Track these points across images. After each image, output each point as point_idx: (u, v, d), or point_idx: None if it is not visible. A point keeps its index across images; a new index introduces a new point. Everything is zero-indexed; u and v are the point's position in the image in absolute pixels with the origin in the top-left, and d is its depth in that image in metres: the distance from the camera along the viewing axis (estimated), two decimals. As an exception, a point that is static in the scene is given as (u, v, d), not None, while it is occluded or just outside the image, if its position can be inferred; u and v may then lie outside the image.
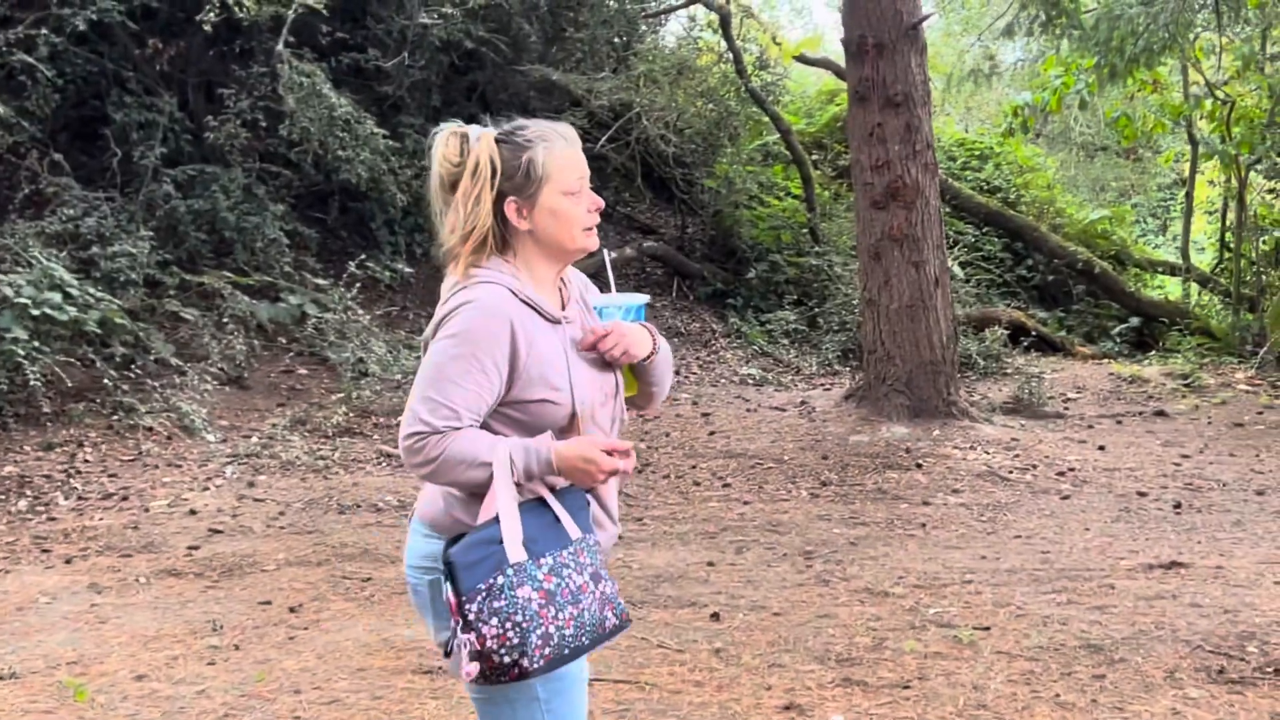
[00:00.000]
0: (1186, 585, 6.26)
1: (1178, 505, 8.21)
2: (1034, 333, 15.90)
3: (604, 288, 3.17)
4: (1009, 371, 14.16)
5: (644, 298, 3.13)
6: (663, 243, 16.01)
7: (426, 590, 2.78)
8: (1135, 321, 17.55)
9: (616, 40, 14.38)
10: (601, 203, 2.90)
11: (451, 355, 2.66)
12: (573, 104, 13.58)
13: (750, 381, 12.73)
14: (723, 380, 12.75)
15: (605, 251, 3.21)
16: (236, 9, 11.36)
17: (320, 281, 11.70)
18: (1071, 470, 9.20)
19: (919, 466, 9.16)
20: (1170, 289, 20.21)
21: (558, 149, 2.78)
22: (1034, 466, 9.24)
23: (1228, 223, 19.36)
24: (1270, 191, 18.67)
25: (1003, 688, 4.95)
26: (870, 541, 7.41)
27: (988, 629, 5.65)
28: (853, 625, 5.75)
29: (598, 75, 13.50)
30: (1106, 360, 16.10)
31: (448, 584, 2.59)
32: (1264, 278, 17.20)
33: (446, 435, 2.64)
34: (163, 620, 5.92)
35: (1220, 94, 17.31)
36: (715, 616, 5.88)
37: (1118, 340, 17.16)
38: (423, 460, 2.64)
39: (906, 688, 4.98)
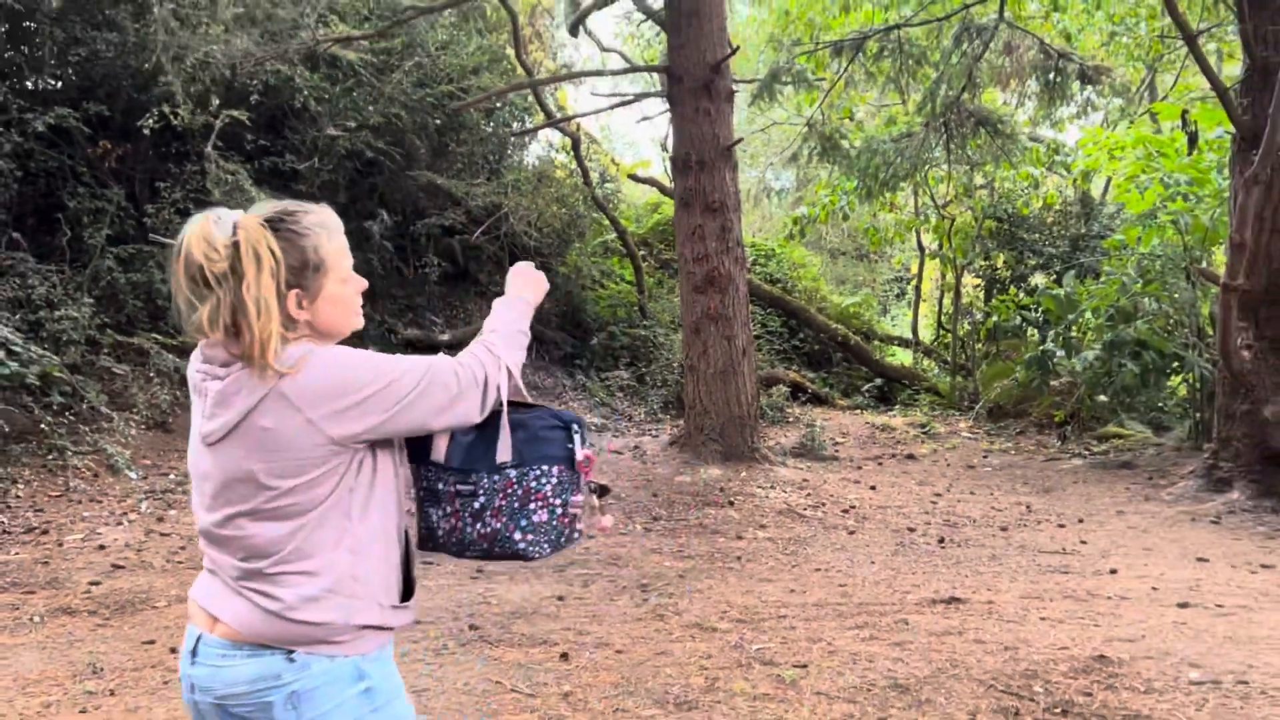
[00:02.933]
0: (968, 621, 5.30)
1: (941, 540, 7.31)
2: (808, 390, 15.17)
3: None
4: (790, 420, 13.35)
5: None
6: (524, 315, 14.89)
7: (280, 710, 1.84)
8: (879, 381, 17.06)
9: (490, 156, 13.23)
10: (365, 284, 2.02)
11: (391, 375, 1.87)
12: (454, 203, 12.40)
13: (592, 429, 11.61)
14: (570, 426, 11.62)
15: None
16: (172, 117, 10.06)
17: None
18: (853, 508, 8.26)
19: (731, 504, 8.14)
20: (901, 357, 19.81)
21: (334, 236, 1.93)
22: (823, 504, 8.28)
23: (944, 308, 19.15)
24: (976, 286, 18.42)
25: (829, 735, 3.91)
26: (696, 574, 6.33)
27: (805, 667, 4.61)
28: (687, 664, 4.66)
29: (474, 181, 12.35)
30: (859, 411, 15.48)
31: (578, 437, 2.07)
32: (975, 350, 16.78)
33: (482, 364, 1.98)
34: (48, 661, 4.58)
35: (944, 213, 16.89)
36: (564, 656, 4.73)
37: (866, 395, 16.63)
38: (485, 381, 1.96)
39: (742, 735, 3.91)
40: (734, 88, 9.28)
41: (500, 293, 2.22)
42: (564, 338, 14.89)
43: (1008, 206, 16.42)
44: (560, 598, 5.71)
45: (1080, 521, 7.96)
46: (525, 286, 2.21)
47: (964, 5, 11.62)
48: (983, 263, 17.45)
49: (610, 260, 16.45)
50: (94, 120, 10.79)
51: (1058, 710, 4.16)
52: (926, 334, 20.77)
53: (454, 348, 13.27)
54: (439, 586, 5.96)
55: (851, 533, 7.48)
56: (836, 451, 11.22)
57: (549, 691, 4.31)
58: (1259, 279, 8.31)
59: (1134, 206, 10.28)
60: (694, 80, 8.98)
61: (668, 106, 9.64)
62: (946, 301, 18.92)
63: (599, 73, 10.35)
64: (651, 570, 6.38)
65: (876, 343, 19.20)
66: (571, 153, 14.35)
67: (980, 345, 17.02)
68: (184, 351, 9.95)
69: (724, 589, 5.99)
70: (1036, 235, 16.68)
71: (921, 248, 18.65)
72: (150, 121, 10.03)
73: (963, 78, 12.37)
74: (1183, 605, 5.57)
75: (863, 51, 12.09)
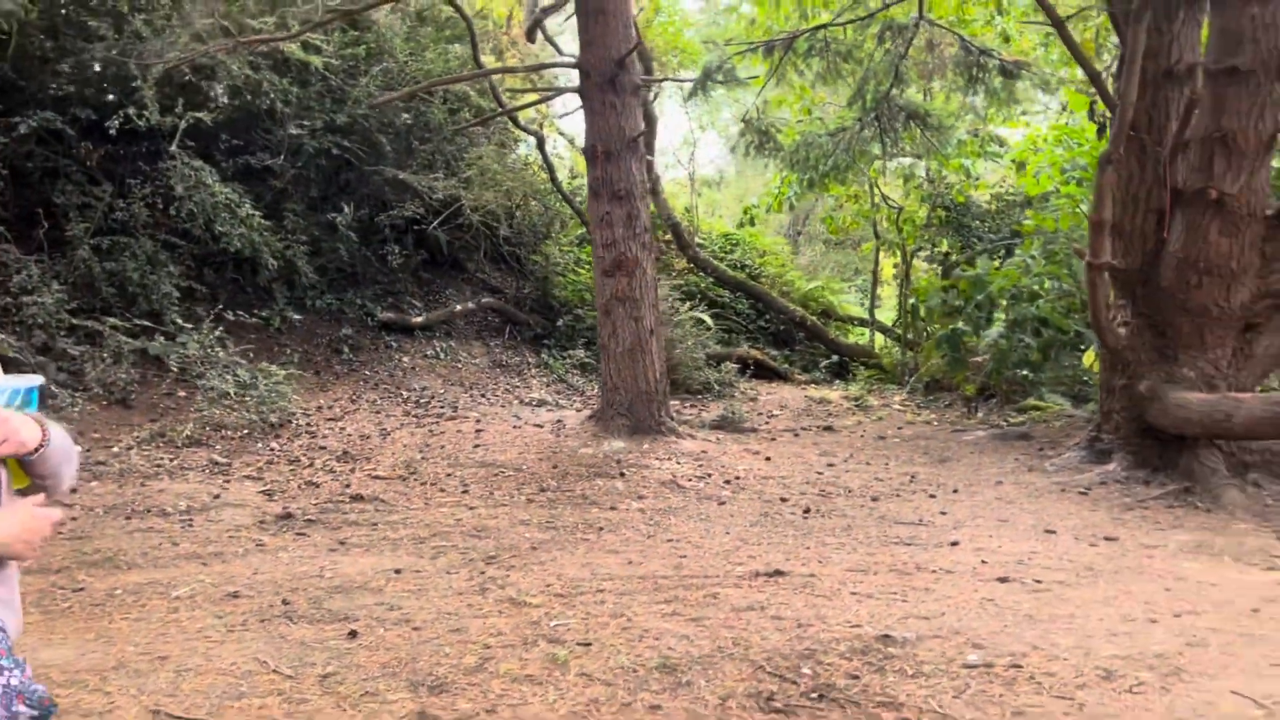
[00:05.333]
0: (778, 595, 4.72)
1: (807, 511, 6.70)
2: (754, 364, 14.57)
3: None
4: (736, 395, 12.72)
5: (36, 379, 1.84)
6: (502, 299, 14.35)
7: None
8: (836, 358, 16.39)
9: (453, 153, 12.65)
10: None
11: None
12: (417, 196, 11.87)
13: (534, 403, 11.04)
14: (516, 402, 11.03)
15: None
16: (137, 119, 9.62)
17: (186, 324, 9.84)
18: (737, 479, 7.64)
19: (622, 475, 7.55)
20: (873, 337, 19.08)
21: None
22: (709, 475, 7.67)
23: (902, 291, 18.43)
24: (931, 270, 17.65)
25: (558, 723, 3.36)
26: (549, 546, 5.78)
27: (589, 645, 4.06)
28: (472, 642, 4.12)
29: (433, 176, 11.80)
30: (814, 385, 14.84)
31: None
32: (931, 328, 16.05)
33: None
34: None
35: (891, 202, 16.15)
36: (352, 634, 4.20)
37: (824, 371, 15.96)
38: None
39: (470, 723, 3.37)
40: (638, 81, 8.65)
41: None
42: (536, 319, 14.37)
43: (950, 196, 15.63)
44: (398, 571, 5.19)
45: (955, 492, 7.32)
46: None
47: (884, 5, 10.89)
48: (931, 249, 16.69)
49: (584, 249, 15.86)
50: (83, 123, 10.41)
51: (815, 695, 3.59)
52: (891, 315, 20.00)
53: (426, 329, 12.79)
54: (291, 558, 5.46)
55: (723, 504, 6.87)
56: (763, 423, 10.61)
57: (310, 673, 3.79)
58: (1135, 258, 7.61)
59: (1030, 190, 9.56)
60: (601, 75, 8.37)
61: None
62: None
63: (512, 70, 9.81)
64: (509, 542, 5.84)
65: (837, 323, 18.50)
66: (539, 150, 13.75)
67: (935, 324, 16.29)
68: (159, 332, 9.58)
69: (566, 561, 5.43)
70: (979, 222, 15.87)
71: (877, 235, 17.88)
72: (116, 123, 9.61)
73: (890, 74, 11.65)
74: (1002, 580, 4.95)
75: (793, 49, 11.40)
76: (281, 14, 10.93)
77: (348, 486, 7.18)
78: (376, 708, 3.48)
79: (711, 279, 16.78)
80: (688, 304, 14.07)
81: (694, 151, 21.43)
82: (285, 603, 4.61)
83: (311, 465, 7.78)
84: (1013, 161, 14.41)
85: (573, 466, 7.74)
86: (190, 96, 10.31)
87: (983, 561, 5.30)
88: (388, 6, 11.33)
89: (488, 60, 12.69)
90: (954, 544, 5.73)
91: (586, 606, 4.59)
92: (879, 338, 18.22)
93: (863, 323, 18.97)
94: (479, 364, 12.72)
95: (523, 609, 4.57)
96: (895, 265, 19.74)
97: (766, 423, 10.79)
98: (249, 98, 10.76)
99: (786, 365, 16.01)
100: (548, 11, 11.91)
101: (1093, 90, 12.96)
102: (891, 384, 14.19)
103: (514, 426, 9.26)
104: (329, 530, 6.10)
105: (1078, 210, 9.56)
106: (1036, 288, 9.67)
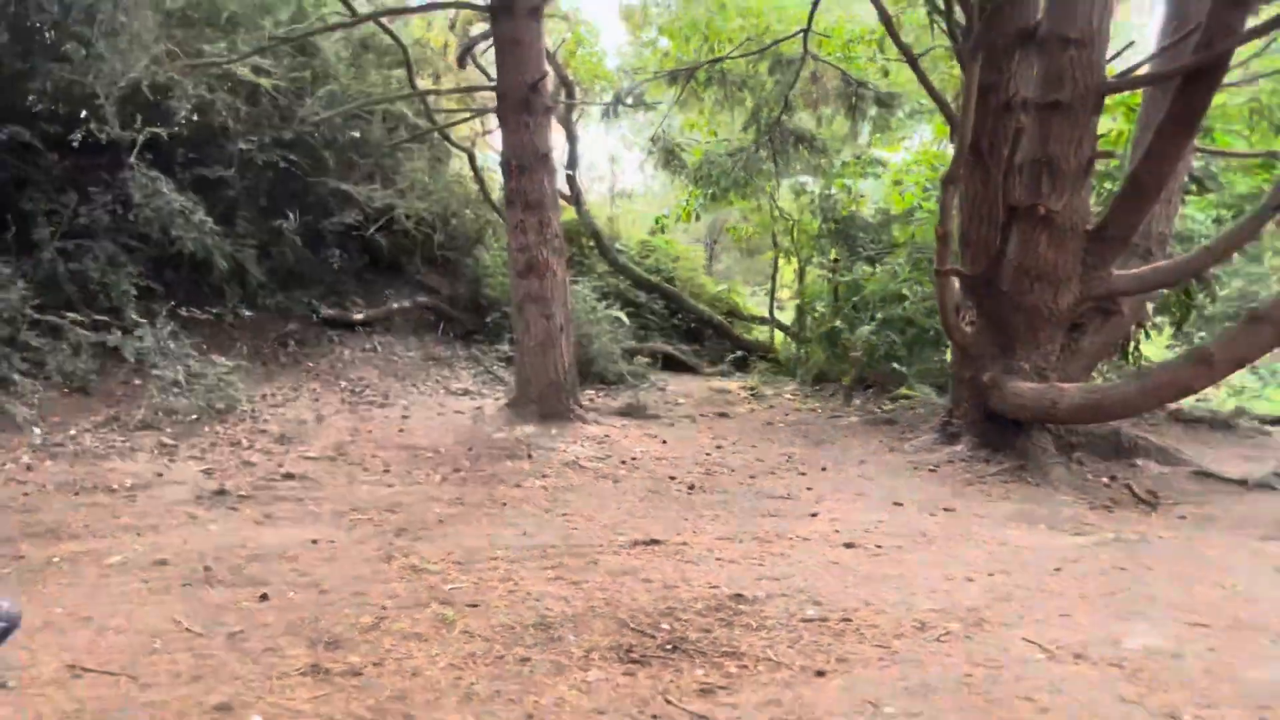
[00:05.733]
0: (652, 561, 4.80)
1: (691, 487, 6.79)
2: (665, 358, 14.67)
3: None
4: (645, 386, 12.80)
5: None
6: (437, 298, 14.23)
7: None
8: (740, 353, 16.56)
9: (390, 167, 12.52)
10: None
11: None
12: (355, 205, 11.73)
13: (460, 393, 10.98)
14: (442, 392, 10.96)
15: None
16: (98, 133, 9.42)
17: (143, 320, 9.60)
18: (634, 459, 7.69)
19: (530, 457, 7.56)
20: (775, 335, 19.28)
21: None
22: (609, 457, 7.71)
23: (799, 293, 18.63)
24: (821, 275, 17.88)
25: (437, 674, 3.39)
26: (454, 520, 5.78)
27: (476, 606, 4.09)
28: (372, 604, 4.13)
29: (372, 187, 11.67)
30: (720, 377, 14.98)
31: None
32: (809, 326, 16.29)
33: None
34: None
35: (789, 215, 16.36)
36: (264, 597, 4.18)
37: (728, 365, 16.10)
38: None
39: (358, 675, 3.38)
40: (549, 104, 8.66)
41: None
42: (468, 317, 14.27)
43: (838, 210, 15.89)
44: (314, 541, 5.15)
45: (824, 470, 7.48)
46: None
47: (774, 42, 11.05)
48: (819, 258, 16.95)
49: (514, 254, 15.78)
50: (51, 136, 10.12)
51: (669, 647, 3.67)
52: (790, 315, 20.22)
53: (366, 325, 12.64)
54: (220, 530, 5.39)
55: (617, 482, 6.93)
56: (666, 410, 10.69)
57: (219, 631, 3.76)
58: (980, 265, 7.84)
59: (897, 206, 9.80)
60: (515, 97, 8.37)
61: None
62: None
63: (437, 92, 9.75)
64: (418, 516, 5.83)
65: (743, 322, 18.68)
66: (470, 165, 13.65)
67: (828, 323, 16.52)
68: (118, 326, 9.34)
69: (468, 532, 5.45)
70: (863, 233, 16.15)
71: (776, 244, 18.10)
72: (79, 136, 9.40)
73: (780, 102, 11.83)
74: (848, 545, 5.10)
75: (694, 79, 11.51)
76: (232, 40, 10.75)
77: (281, 466, 7.09)
78: (276, 661, 3.48)
79: (630, 281, 16.86)
80: (604, 302, 14.11)
81: (613, 167, 21.47)
82: (207, 569, 4.56)
83: (251, 447, 7.67)
84: (893, 181, 14.69)
85: (486, 449, 7.73)
86: (149, 114, 10.10)
87: (835, 530, 5.44)
88: (333, 34, 11.16)
89: (424, 83, 12.59)
90: (813, 515, 5.87)
91: (480, 573, 4.61)
92: (779, 335, 18.48)
93: (764, 321, 19.20)
94: (413, 357, 12.61)
95: (422, 575, 4.58)
96: (794, 270, 20.05)
97: (670, 410, 10.88)
98: (207, 116, 10.55)
99: (696, 359, 16.14)
100: (475, 40, 11.85)
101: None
102: (786, 376, 14.39)
103: (438, 414, 9.22)
104: (259, 505, 6.03)
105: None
106: (905, 291, 9.91)
